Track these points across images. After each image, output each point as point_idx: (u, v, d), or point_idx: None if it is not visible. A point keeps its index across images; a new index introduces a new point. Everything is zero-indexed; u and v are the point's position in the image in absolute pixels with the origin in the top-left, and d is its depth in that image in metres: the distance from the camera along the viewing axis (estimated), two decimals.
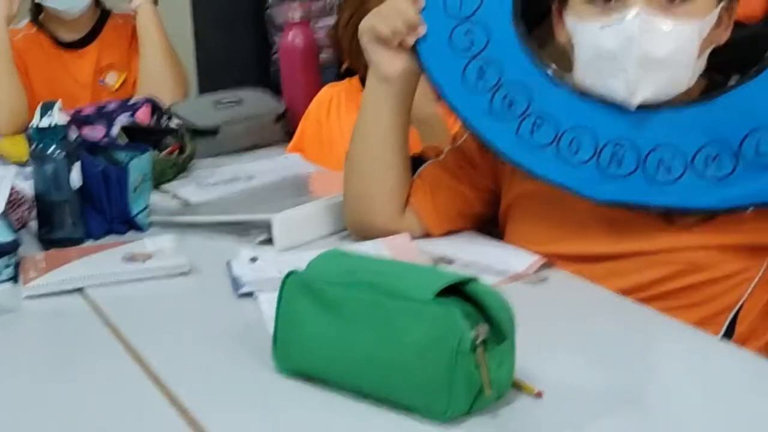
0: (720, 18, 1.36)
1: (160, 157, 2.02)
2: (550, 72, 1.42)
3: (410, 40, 1.46)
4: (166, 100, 2.42)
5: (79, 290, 1.45)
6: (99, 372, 1.21)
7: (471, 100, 1.45)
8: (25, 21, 2.73)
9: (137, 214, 1.71)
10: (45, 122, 1.60)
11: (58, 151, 1.61)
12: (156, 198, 1.90)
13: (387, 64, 1.49)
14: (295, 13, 2.39)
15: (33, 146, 1.62)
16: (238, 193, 1.89)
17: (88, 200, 1.67)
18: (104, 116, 2.19)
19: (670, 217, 1.39)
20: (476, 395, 1.01)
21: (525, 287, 1.38)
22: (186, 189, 1.97)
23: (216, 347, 1.23)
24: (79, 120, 2.16)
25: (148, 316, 1.38)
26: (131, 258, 1.52)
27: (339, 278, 1.09)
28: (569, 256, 1.44)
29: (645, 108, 1.36)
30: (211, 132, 2.25)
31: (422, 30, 1.46)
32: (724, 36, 1.38)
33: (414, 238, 1.56)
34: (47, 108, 1.61)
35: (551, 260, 1.44)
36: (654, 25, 1.30)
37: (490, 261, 1.46)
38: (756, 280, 1.38)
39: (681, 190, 1.36)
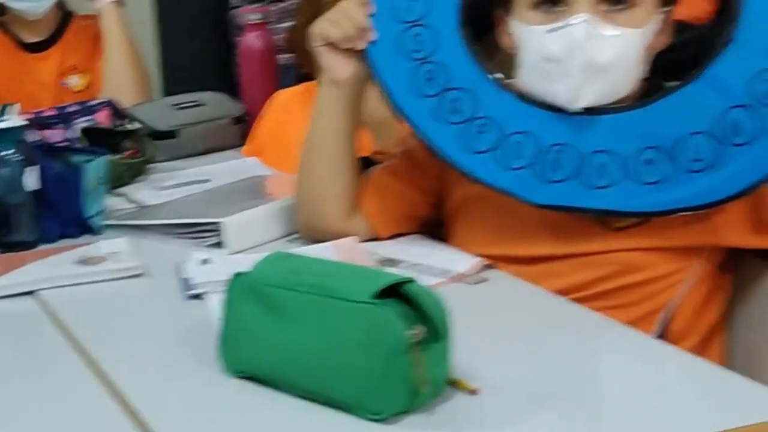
0: (661, 24, 1.42)
1: (117, 160, 2.05)
2: (494, 77, 1.47)
3: (360, 45, 1.51)
4: (129, 101, 2.45)
5: (32, 293, 1.48)
6: (50, 373, 1.24)
7: (418, 104, 1.50)
8: None
9: (91, 217, 1.74)
10: (1, 125, 1.63)
11: (15, 153, 1.64)
12: (111, 201, 1.94)
13: (338, 68, 1.54)
14: (254, 16, 2.42)
15: None
16: (193, 196, 1.93)
17: (43, 203, 1.70)
18: (64, 118, 2.22)
19: (606, 220, 1.44)
20: (413, 394, 1.05)
21: (466, 288, 1.43)
22: (142, 192, 2.01)
23: (166, 348, 1.27)
24: (39, 122, 2.19)
25: (100, 318, 1.42)
26: (85, 261, 1.56)
27: (283, 280, 1.13)
28: (510, 257, 1.49)
29: (584, 112, 1.41)
30: (170, 135, 2.28)
31: (372, 35, 1.50)
32: (665, 41, 1.44)
33: (363, 240, 1.60)
34: (4, 110, 1.64)
35: (493, 262, 1.49)
36: (598, 31, 1.35)
37: (433, 262, 1.51)
38: (687, 281, 1.44)
39: (617, 194, 1.41)
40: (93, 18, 2.72)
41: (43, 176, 1.70)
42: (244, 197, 1.81)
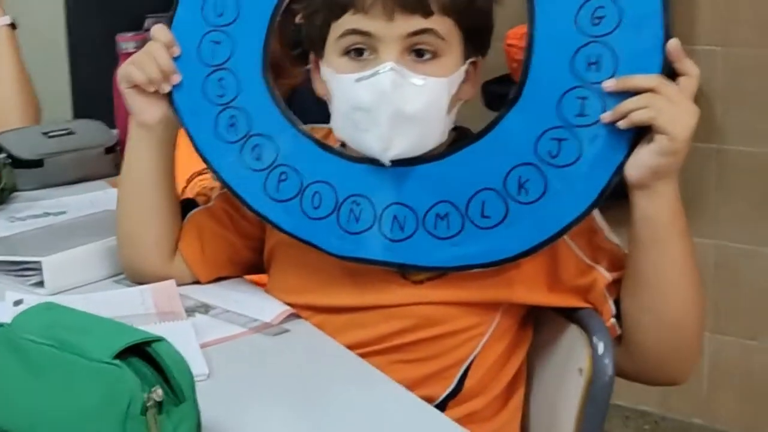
0: (467, 74, 1.47)
1: None
2: (296, 125, 1.51)
3: (165, 88, 1.55)
4: (14, 126, 2.49)
5: None
6: None
7: (221, 150, 1.54)
8: None
9: None
10: None
11: None
12: None
13: (144, 111, 1.58)
14: (129, 44, 2.46)
15: None
16: (40, 230, 1.95)
17: None
18: None
19: (406, 272, 1.48)
20: None
21: (265, 338, 1.47)
22: None
23: None
24: None
25: None
26: None
27: (38, 333, 1.14)
28: (316, 307, 1.53)
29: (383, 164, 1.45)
30: (36, 164, 2.31)
31: (176, 78, 1.54)
32: (472, 92, 1.49)
33: (184, 283, 1.64)
34: None
35: (300, 310, 1.53)
36: (405, 80, 1.38)
37: (244, 309, 1.55)
38: (486, 336, 1.48)
39: (413, 248, 1.45)
40: None
41: None
42: (89, 233, 1.83)
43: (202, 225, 1.65)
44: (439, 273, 1.47)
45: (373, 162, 1.44)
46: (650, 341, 1.45)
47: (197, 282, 1.66)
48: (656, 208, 1.37)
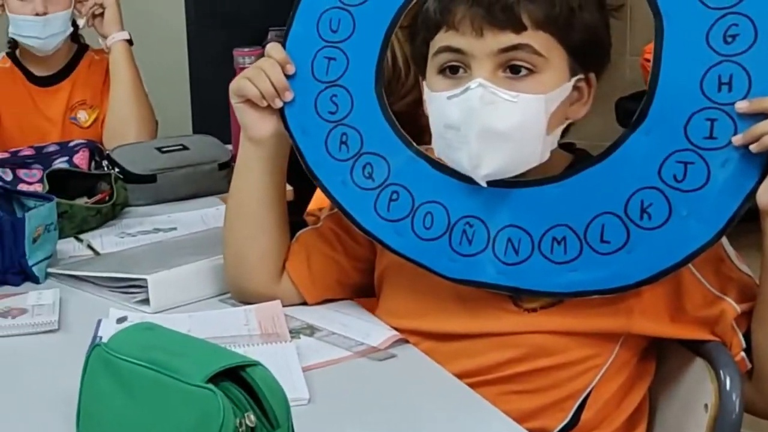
0: (578, 92, 1.40)
1: (82, 204, 2.10)
2: (410, 144, 1.47)
3: (277, 103, 1.53)
4: (130, 139, 2.52)
5: None
6: None
7: (332, 168, 1.52)
8: (1, 54, 2.85)
9: (34, 265, 1.79)
10: None
11: None
12: (69, 247, 1.99)
13: (256, 126, 1.56)
14: (246, 59, 2.46)
15: None
16: (149, 246, 1.97)
17: None
18: (42, 158, 2.29)
19: (518, 299, 1.43)
20: None
21: (371, 363, 1.43)
22: (104, 239, 2.05)
23: (39, 413, 1.30)
24: (15, 161, 2.26)
25: None
26: (5, 313, 1.60)
27: (135, 354, 1.14)
28: (426, 332, 1.49)
29: (499, 185, 1.40)
30: (149, 179, 2.33)
31: (289, 95, 1.52)
32: (581, 111, 1.42)
33: (291, 304, 1.62)
34: None
35: (409, 335, 1.49)
36: (496, 97, 1.33)
37: (352, 332, 1.52)
38: (604, 368, 1.42)
39: (528, 272, 1.40)
40: (105, 53, 2.79)
41: None
42: (193, 250, 1.83)
43: (311, 245, 1.63)
44: (553, 300, 1.41)
45: (490, 183, 1.39)
46: None
47: (304, 303, 1.63)
48: None
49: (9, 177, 2.24)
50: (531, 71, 1.35)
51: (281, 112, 1.54)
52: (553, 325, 1.41)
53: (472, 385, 1.37)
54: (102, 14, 2.76)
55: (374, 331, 1.52)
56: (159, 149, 2.40)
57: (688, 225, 1.32)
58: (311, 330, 1.55)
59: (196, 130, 3.67)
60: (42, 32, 2.65)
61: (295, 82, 1.53)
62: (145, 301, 1.65)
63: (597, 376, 1.42)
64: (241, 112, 1.56)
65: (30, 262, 1.78)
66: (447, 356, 1.45)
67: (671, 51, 1.33)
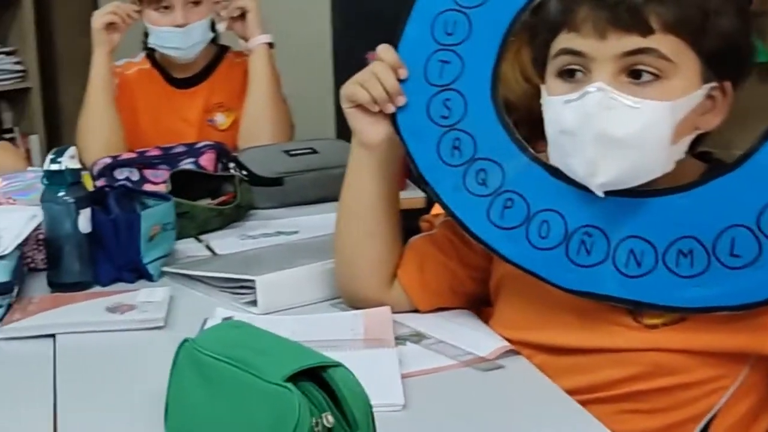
0: (713, 101, 1.32)
1: (205, 205, 2.10)
2: (526, 150, 1.41)
3: (389, 108, 1.48)
4: (264, 142, 2.53)
5: (53, 336, 1.54)
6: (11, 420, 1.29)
7: (443, 174, 1.46)
8: (142, 55, 2.90)
9: (149, 263, 1.79)
10: (54, 166, 1.70)
11: (66, 196, 1.71)
12: (189, 247, 2.00)
13: (367, 131, 1.52)
14: None
15: (43, 189, 1.73)
16: (267, 249, 1.95)
17: (99, 246, 1.76)
18: (169, 159, 2.30)
19: (638, 313, 1.35)
20: None
21: (476, 373, 1.38)
22: (225, 240, 2.05)
23: (136, 408, 1.29)
24: (143, 162, 2.28)
25: (95, 369, 1.45)
26: (114, 308, 1.61)
27: (221, 350, 1.12)
28: (539, 345, 1.43)
29: (619, 194, 1.33)
30: (276, 182, 2.32)
31: (401, 100, 1.47)
32: (714, 121, 1.33)
33: (402, 311, 1.57)
34: (59, 153, 1.71)
35: (521, 348, 1.43)
36: (615, 102, 1.26)
37: (461, 341, 1.47)
38: (731, 389, 1.33)
39: (651, 286, 1.32)
40: (245, 55, 2.81)
41: (98, 220, 1.76)
42: (307, 254, 1.81)
43: (424, 252, 1.58)
44: (677, 317, 1.33)
45: (610, 192, 1.32)
46: None
47: (416, 310, 1.59)
48: None
49: (136, 177, 2.26)
50: (657, 77, 1.27)
51: (392, 117, 1.50)
52: (676, 342, 1.33)
53: (584, 403, 1.30)
54: (242, 17, 2.77)
55: (484, 341, 1.46)
56: (287, 152, 2.39)
57: None
58: (419, 337, 1.50)
59: (340, 135, 3.66)
60: (183, 43, 2.69)
61: (407, 86, 1.48)
62: (254, 303, 1.63)
63: (723, 398, 1.33)
64: (353, 118, 1.52)
65: (144, 260, 1.79)
66: (560, 371, 1.38)
67: None
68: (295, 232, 2.08)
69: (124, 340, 1.54)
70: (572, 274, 1.37)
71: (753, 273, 1.26)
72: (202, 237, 2.06)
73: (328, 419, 1.02)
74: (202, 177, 2.24)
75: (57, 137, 4.91)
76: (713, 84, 1.30)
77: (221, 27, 2.80)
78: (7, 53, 4.97)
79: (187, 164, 2.27)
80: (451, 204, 1.46)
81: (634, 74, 1.27)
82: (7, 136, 4.99)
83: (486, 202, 1.43)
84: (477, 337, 1.48)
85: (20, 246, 1.75)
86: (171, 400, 1.18)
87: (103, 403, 1.32)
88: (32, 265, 1.85)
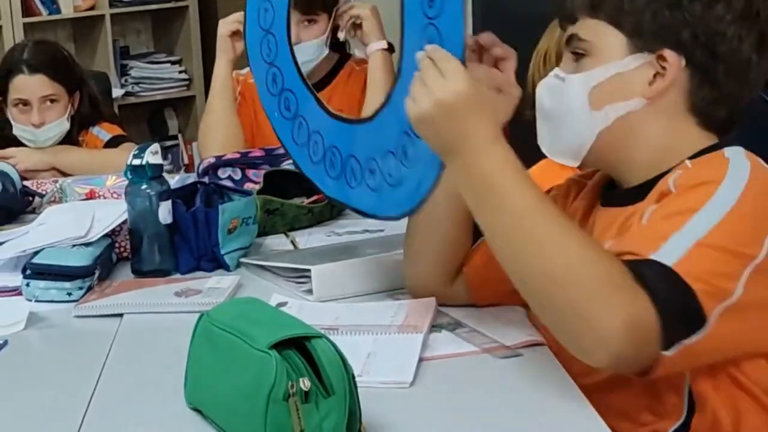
0: (657, 69, 1.44)
1: (294, 203, 2.27)
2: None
3: None
4: None
5: (122, 315, 1.75)
6: (54, 390, 1.48)
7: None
8: None
9: (227, 253, 1.97)
10: (136, 161, 1.90)
11: (148, 189, 1.91)
12: (276, 242, 2.16)
13: None
14: None
15: (127, 182, 1.94)
16: (342, 243, 2.10)
17: (180, 237, 1.95)
18: (272, 159, 2.48)
19: None
20: None
21: (493, 360, 1.50)
22: (311, 236, 2.21)
23: (170, 383, 1.43)
24: (245, 162, 2.47)
25: (147, 347, 1.65)
26: (182, 293, 1.79)
27: (228, 322, 1.29)
28: None
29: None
30: None
31: None
32: (661, 86, 1.44)
33: (462, 304, 1.69)
34: (142, 149, 1.91)
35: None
36: (548, 80, 1.52)
37: (493, 332, 1.58)
38: None
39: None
40: (366, 63, 2.96)
41: (180, 212, 1.95)
42: (373, 248, 1.93)
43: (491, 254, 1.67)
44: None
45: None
46: None
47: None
48: None
49: (238, 176, 2.45)
50: (582, 55, 1.49)
51: None
52: None
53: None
54: (361, 25, 2.93)
55: (514, 332, 1.57)
56: None
57: None
58: (456, 325, 1.62)
59: None
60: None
61: None
62: (311, 291, 1.78)
63: None
64: None
65: (222, 251, 1.97)
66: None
67: None
68: (381, 230, 2.21)
69: (184, 322, 1.70)
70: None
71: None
72: (291, 234, 2.22)
73: (305, 383, 1.17)
74: (298, 177, 2.39)
75: None
76: (644, 54, 1.45)
77: (342, 36, 2.96)
78: (173, 62, 5.33)
79: (288, 165, 2.44)
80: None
81: (575, 56, 1.50)
82: (170, 143, 5.34)
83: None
84: (509, 329, 1.59)
85: (110, 235, 1.97)
86: (188, 367, 1.35)
87: (142, 378, 1.51)
88: (125, 254, 2.05)
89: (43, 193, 2.53)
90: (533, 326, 1.59)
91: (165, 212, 1.93)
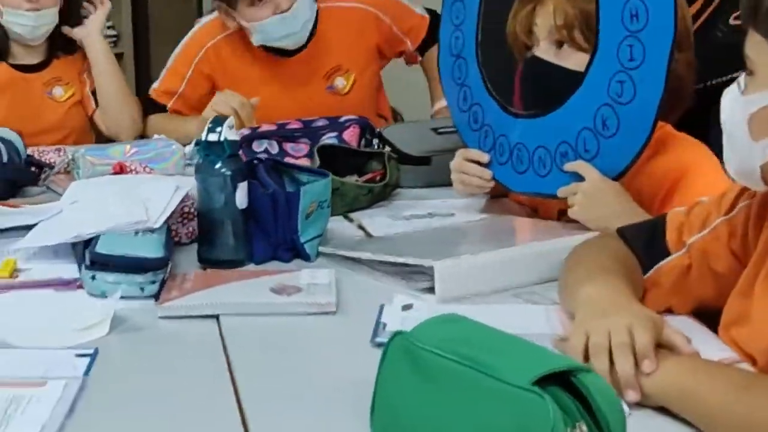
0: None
1: (354, 182, 2.05)
2: None
3: None
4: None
5: (216, 317, 1.50)
6: (192, 408, 1.24)
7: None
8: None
9: (306, 242, 1.74)
10: (213, 137, 1.65)
11: (224, 168, 1.67)
12: (339, 226, 1.94)
13: None
14: None
15: (199, 160, 1.69)
16: (427, 231, 1.90)
17: (255, 222, 1.72)
18: (311, 133, 2.26)
19: None
20: None
21: None
22: (375, 219, 2.00)
23: (321, 398, 1.25)
24: (282, 135, 2.24)
25: (271, 353, 1.41)
26: (279, 289, 1.56)
27: (442, 346, 1.06)
28: None
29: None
30: (423, 161, 2.26)
31: None
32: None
33: None
34: (217, 123, 1.66)
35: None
36: (733, 86, 1.30)
37: None
38: None
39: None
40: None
41: (255, 195, 1.71)
42: (478, 240, 1.76)
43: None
44: None
45: None
46: None
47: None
48: None
49: (275, 150, 2.22)
50: None
51: None
52: None
53: None
54: None
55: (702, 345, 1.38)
56: (435, 130, 2.32)
57: None
58: None
59: None
60: (290, 29, 2.62)
61: None
62: (429, 290, 1.57)
63: None
64: None
65: (302, 239, 1.74)
66: None
67: None
68: (451, 215, 2.02)
69: (292, 324, 1.49)
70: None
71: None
72: (352, 216, 2.00)
73: (582, 429, 0.96)
74: (346, 153, 2.18)
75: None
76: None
77: None
78: None
79: (329, 139, 2.22)
80: None
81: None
82: None
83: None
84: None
85: (167, 219, 1.72)
86: (380, 393, 1.13)
87: (289, 393, 1.28)
88: (176, 239, 1.81)
89: (50, 163, 2.26)
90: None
91: (242, 195, 1.69)
